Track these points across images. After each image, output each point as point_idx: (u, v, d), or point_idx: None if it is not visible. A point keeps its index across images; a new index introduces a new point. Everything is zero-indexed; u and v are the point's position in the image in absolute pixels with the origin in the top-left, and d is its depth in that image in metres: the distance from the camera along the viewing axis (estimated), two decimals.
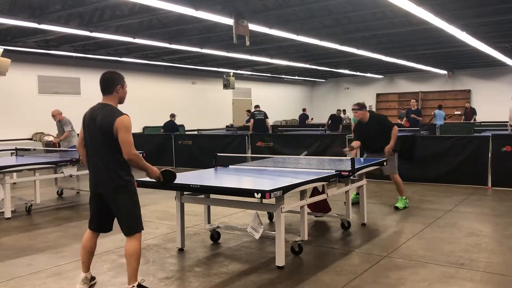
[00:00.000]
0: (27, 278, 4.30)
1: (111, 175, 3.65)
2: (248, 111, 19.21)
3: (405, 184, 9.14)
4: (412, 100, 15.92)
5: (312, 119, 24.95)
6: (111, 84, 3.72)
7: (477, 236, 5.42)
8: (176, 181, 4.83)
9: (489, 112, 20.87)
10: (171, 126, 15.17)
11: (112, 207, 3.74)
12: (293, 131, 17.02)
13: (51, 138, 13.18)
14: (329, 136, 11.79)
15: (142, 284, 3.80)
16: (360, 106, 6.98)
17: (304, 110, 24.01)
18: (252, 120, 14.83)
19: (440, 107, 19.02)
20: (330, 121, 18.73)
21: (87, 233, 3.92)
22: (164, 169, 4.01)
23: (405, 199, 7.15)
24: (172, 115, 15.54)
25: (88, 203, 3.95)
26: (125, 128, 3.56)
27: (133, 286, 3.71)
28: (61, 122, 10.26)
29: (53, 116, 10.27)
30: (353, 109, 7.04)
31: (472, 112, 20.34)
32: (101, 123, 3.62)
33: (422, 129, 14.48)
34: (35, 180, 7.45)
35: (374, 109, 27.51)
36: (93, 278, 4.02)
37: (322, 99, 29.60)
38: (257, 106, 15.62)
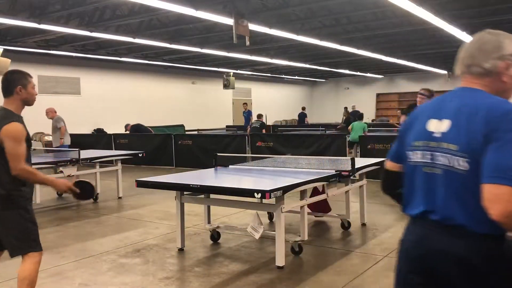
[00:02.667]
0: None
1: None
2: (245, 104, 19.18)
3: None
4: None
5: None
6: (10, 85, 3.22)
7: None
8: (176, 181, 4.85)
9: None
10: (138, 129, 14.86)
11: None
12: (293, 131, 17.03)
13: (51, 138, 13.18)
14: (329, 136, 11.81)
15: None
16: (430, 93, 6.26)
17: (303, 109, 24.07)
18: (248, 128, 15.07)
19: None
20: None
21: None
22: (79, 180, 3.56)
23: None
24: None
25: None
26: (12, 138, 3.06)
27: None
28: (54, 120, 10.34)
29: (47, 113, 10.39)
30: (421, 94, 6.31)
31: None
32: None
33: None
34: None
35: (374, 109, 27.55)
36: None
37: (322, 99, 29.59)
38: (259, 116, 15.61)
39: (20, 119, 3.21)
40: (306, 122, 23.80)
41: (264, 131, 14.73)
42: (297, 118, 26.01)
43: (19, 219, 3.24)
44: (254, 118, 17.03)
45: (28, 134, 3.26)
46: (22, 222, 3.26)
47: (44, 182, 3.32)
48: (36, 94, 3.40)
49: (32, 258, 3.28)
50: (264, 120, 15.87)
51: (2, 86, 3.28)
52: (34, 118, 15.19)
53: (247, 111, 18.53)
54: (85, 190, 3.55)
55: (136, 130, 14.69)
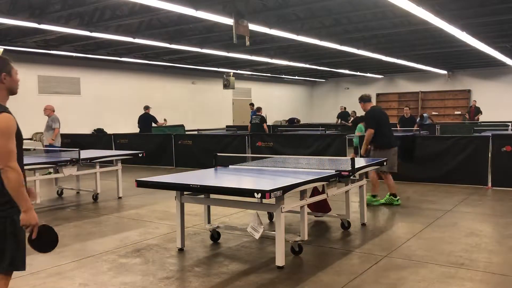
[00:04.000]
0: (27, 278, 4.29)
1: None
2: (251, 104, 19.13)
3: (405, 184, 9.17)
4: (405, 108, 15.10)
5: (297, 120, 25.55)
6: None
7: (477, 236, 5.42)
8: (176, 181, 4.85)
9: (489, 112, 20.86)
10: (146, 118, 14.88)
11: None
12: (293, 131, 17.02)
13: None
14: (329, 136, 11.81)
15: None
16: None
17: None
18: (249, 125, 14.97)
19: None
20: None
21: None
22: (45, 224, 2.85)
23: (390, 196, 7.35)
24: (146, 107, 15.19)
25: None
26: (0, 131, 2.63)
27: None
28: (50, 118, 10.35)
29: (45, 110, 10.40)
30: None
31: (477, 110, 20.30)
32: None
33: (422, 129, 14.47)
34: (35, 180, 7.44)
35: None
36: None
37: (322, 99, 29.59)
38: (258, 110, 15.58)
39: (7, 110, 2.77)
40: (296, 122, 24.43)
41: (265, 125, 14.67)
42: (297, 118, 26.08)
43: (2, 233, 2.72)
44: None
45: (18, 128, 2.79)
46: (5, 236, 2.74)
47: (22, 197, 2.66)
48: (19, 81, 2.99)
49: (4, 279, 2.82)
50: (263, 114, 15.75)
51: None
52: (34, 118, 15.23)
53: (254, 111, 18.56)
54: (43, 240, 2.86)
55: (145, 118, 14.71)
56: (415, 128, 14.35)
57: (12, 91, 2.93)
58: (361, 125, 11.42)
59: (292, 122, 25.17)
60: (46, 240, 2.88)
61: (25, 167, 6.79)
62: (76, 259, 4.83)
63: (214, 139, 13.20)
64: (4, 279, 2.83)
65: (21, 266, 2.85)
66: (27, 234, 2.79)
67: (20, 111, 17.22)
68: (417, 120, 15.90)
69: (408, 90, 26.30)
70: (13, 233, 2.74)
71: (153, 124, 14.82)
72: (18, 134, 2.77)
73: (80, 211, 7.44)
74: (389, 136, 7.31)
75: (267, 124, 15.61)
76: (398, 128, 14.83)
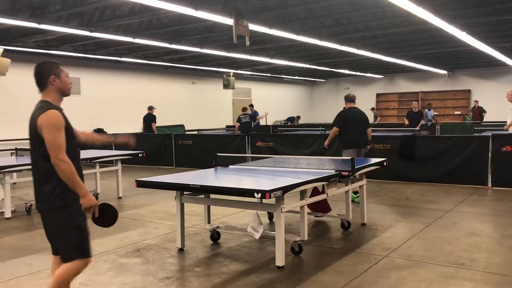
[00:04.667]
0: (27, 278, 4.30)
1: (41, 188, 3.00)
2: (251, 105, 19.08)
3: (405, 184, 9.18)
4: (414, 103, 15.61)
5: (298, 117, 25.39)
6: (42, 77, 3.13)
7: (477, 236, 5.42)
8: (176, 181, 4.85)
9: (489, 112, 20.85)
10: (148, 119, 15.20)
11: (46, 228, 3.11)
12: (293, 131, 17.02)
13: None
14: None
15: None
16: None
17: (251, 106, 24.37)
18: (237, 124, 14.56)
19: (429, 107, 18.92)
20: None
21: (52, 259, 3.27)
22: (105, 203, 3.21)
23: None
24: (150, 108, 15.40)
25: None
26: (50, 126, 2.88)
27: None
28: None
29: None
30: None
31: (480, 110, 20.27)
32: (30, 125, 3.00)
33: (422, 129, 14.48)
34: None
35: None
36: None
37: (322, 99, 29.59)
38: (244, 109, 15.21)
39: (58, 108, 3.04)
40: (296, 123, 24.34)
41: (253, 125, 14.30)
42: (297, 114, 26.07)
43: (64, 221, 3.00)
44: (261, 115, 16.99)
45: (69, 123, 3.04)
46: (68, 224, 3.01)
47: (77, 184, 2.94)
48: (71, 83, 3.26)
49: (73, 264, 3.02)
50: (250, 112, 15.30)
51: (36, 80, 3.13)
52: None
53: (253, 111, 18.57)
54: (106, 216, 3.20)
55: (149, 119, 14.99)
56: (422, 123, 14.75)
57: (64, 92, 3.18)
58: None
59: (292, 120, 24.91)
60: (108, 216, 3.21)
61: (26, 167, 6.95)
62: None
63: (214, 139, 13.20)
64: (77, 265, 3.05)
65: (88, 253, 3.10)
66: (89, 216, 3.10)
67: (20, 111, 17.19)
68: (425, 109, 16.19)
69: (408, 90, 26.29)
70: (73, 223, 3.03)
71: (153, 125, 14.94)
72: (68, 128, 3.03)
73: None
74: (352, 137, 7.46)
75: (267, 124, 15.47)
76: (406, 123, 14.98)
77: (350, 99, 7.73)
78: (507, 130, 9.84)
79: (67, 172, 2.88)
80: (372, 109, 22.66)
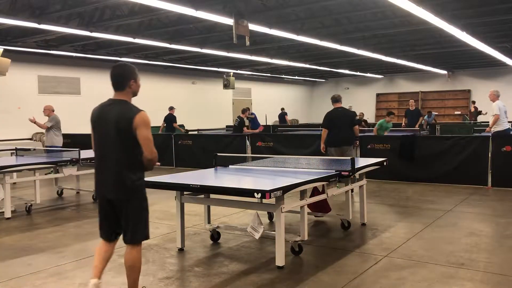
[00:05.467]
0: (27, 278, 4.30)
1: (123, 178, 3.34)
2: (244, 110, 18.91)
3: (405, 184, 9.18)
4: (410, 100, 15.74)
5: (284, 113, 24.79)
6: (124, 79, 3.46)
7: (477, 236, 5.42)
8: (176, 181, 4.86)
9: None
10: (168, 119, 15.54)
11: (121, 213, 3.43)
12: (293, 131, 17.01)
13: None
14: None
15: None
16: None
17: (282, 109, 24.22)
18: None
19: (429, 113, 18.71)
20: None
21: (100, 243, 3.63)
22: None
23: None
24: (170, 108, 15.79)
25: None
26: (146, 125, 3.33)
27: None
28: (49, 118, 10.42)
29: (44, 110, 10.51)
30: None
31: (476, 113, 20.41)
32: (117, 120, 3.34)
33: (421, 129, 14.49)
34: (35, 180, 7.45)
35: (374, 109, 27.52)
36: None
37: (322, 99, 29.55)
38: (243, 111, 14.32)
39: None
40: (287, 122, 23.91)
41: (245, 129, 13.67)
42: (297, 118, 25.99)
43: (142, 208, 3.43)
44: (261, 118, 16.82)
45: None
46: (144, 210, 3.44)
47: (152, 166, 3.47)
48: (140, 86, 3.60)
49: (139, 247, 3.46)
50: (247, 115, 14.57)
51: (117, 80, 3.44)
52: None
53: (251, 113, 18.49)
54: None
55: (170, 119, 15.34)
56: (421, 123, 14.74)
57: (135, 94, 3.59)
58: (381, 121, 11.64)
59: (283, 116, 23.84)
60: None
61: (26, 167, 6.97)
62: (76, 259, 4.83)
63: (214, 139, 13.20)
64: (141, 245, 3.50)
65: (148, 236, 3.56)
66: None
67: (20, 111, 17.16)
68: (425, 116, 16.13)
69: (408, 90, 26.29)
70: (146, 207, 3.47)
71: (174, 124, 15.32)
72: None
73: (80, 211, 7.44)
74: (335, 136, 7.96)
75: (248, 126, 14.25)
76: (404, 123, 15.00)
77: (335, 99, 8.21)
78: (489, 132, 9.83)
79: (154, 163, 3.38)
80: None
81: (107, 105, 3.46)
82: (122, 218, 3.42)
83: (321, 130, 8.45)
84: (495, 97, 9.73)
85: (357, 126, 8.15)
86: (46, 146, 10.49)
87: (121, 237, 3.56)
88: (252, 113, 16.79)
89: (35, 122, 10.38)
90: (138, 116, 3.31)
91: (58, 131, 10.59)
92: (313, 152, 10.63)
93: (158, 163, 3.58)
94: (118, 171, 3.35)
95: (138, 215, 3.41)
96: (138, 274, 3.53)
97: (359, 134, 9.16)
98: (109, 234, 3.54)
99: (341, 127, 7.93)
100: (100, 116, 3.47)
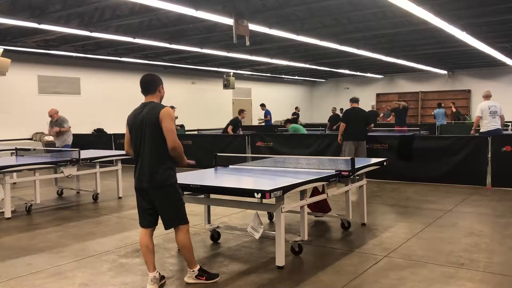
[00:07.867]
0: (27, 278, 4.30)
1: (156, 168, 3.78)
2: (263, 105, 19.12)
3: (405, 184, 9.18)
4: (401, 102, 15.60)
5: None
6: (155, 84, 4.05)
7: (477, 236, 5.42)
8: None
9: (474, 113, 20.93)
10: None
11: (156, 202, 3.85)
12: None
13: (51, 138, 13.23)
14: (329, 136, 11.79)
15: (203, 268, 4.11)
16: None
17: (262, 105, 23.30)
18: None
19: (439, 105, 19.02)
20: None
21: (142, 232, 4.04)
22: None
23: None
24: (241, 110, 14.29)
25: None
26: (170, 117, 3.78)
27: (193, 270, 4.02)
28: (58, 121, 10.44)
29: (51, 116, 10.54)
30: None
31: (457, 114, 20.79)
32: (148, 117, 3.82)
33: (422, 129, 14.48)
34: (35, 180, 7.45)
35: (374, 109, 27.47)
36: (162, 277, 4.09)
37: (322, 99, 29.60)
38: (239, 112, 14.18)
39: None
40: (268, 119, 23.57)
41: (240, 131, 13.45)
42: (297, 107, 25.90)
43: (174, 195, 3.85)
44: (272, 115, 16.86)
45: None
46: (176, 197, 3.86)
47: (182, 159, 3.95)
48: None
49: (184, 229, 3.89)
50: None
51: (149, 85, 4.03)
52: (34, 118, 15.21)
53: (266, 110, 18.69)
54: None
55: (235, 123, 13.68)
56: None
57: (162, 98, 4.15)
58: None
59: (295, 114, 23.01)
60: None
61: (26, 167, 6.98)
62: (76, 259, 4.83)
63: (214, 139, 13.19)
64: (186, 227, 3.95)
65: (187, 220, 3.97)
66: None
67: (20, 111, 17.15)
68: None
69: (408, 90, 26.30)
70: (180, 197, 3.92)
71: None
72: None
73: (80, 211, 7.44)
74: (350, 132, 9.27)
75: (235, 129, 13.57)
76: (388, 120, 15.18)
77: (354, 100, 9.64)
78: (473, 134, 9.86)
79: (181, 151, 3.86)
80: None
81: (140, 108, 3.95)
82: (157, 205, 3.86)
83: (324, 129, 8.83)
84: (484, 97, 9.79)
85: (372, 124, 9.69)
86: (60, 146, 10.56)
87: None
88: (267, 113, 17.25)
89: (60, 131, 10.47)
90: (163, 110, 3.79)
91: (69, 130, 10.79)
92: (313, 152, 10.63)
93: (194, 162, 4.20)
94: (151, 162, 3.81)
95: (171, 202, 3.84)
96: (191, 252, 3.99)
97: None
98: (148, 221, 3.98)
99: (356, 125, 9.27)
100: (135, 117, 3.92)
